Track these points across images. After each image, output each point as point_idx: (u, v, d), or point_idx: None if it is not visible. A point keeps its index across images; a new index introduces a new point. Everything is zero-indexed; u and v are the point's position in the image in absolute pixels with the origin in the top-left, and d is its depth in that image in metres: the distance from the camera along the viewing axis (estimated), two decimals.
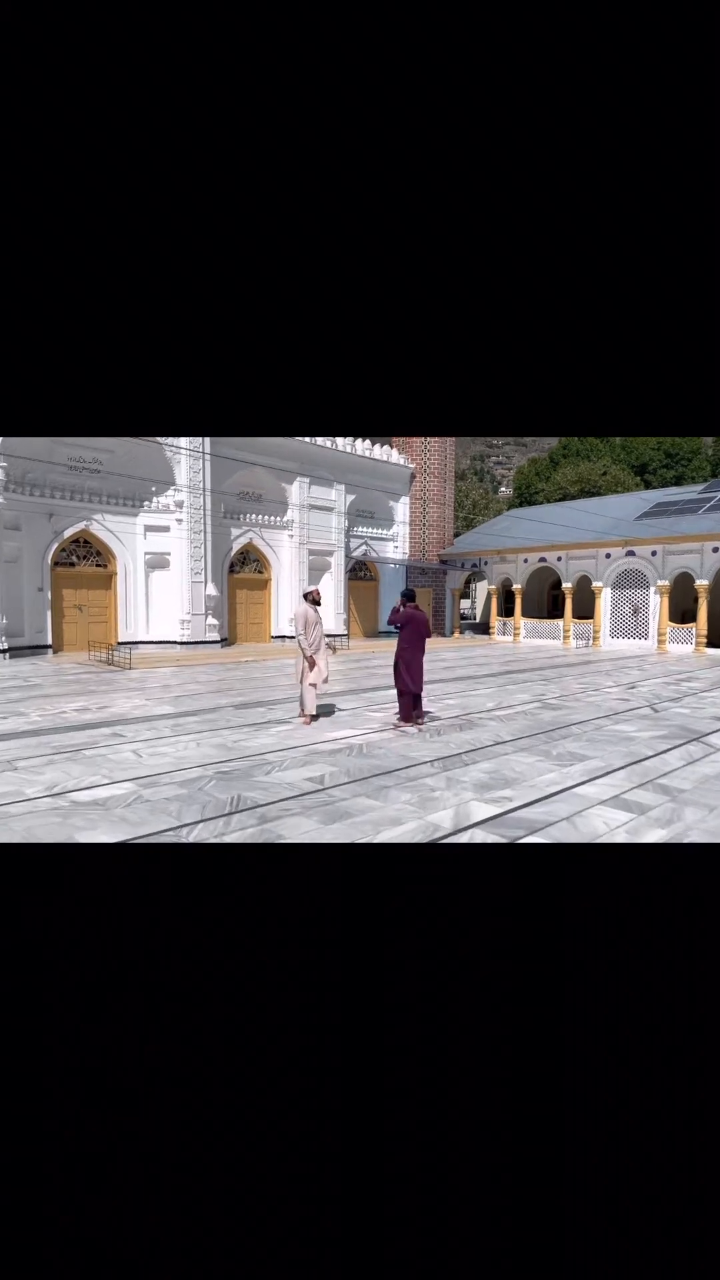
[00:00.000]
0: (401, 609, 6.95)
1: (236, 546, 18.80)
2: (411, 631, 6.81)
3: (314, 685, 7.01)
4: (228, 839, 3.63)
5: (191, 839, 3.66)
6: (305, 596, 7.07)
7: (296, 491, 19.70)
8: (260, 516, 19.22)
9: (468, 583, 26.09)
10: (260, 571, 19.57)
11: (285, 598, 19.94)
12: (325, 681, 7.12)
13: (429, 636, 6.85)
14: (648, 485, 34.05)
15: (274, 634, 19.75)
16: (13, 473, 14.43)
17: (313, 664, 6.99)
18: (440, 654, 16.79)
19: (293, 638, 19.98)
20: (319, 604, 7.15)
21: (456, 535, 25.67)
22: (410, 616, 6.84)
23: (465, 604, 31.26)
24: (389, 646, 18.39)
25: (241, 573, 19.15)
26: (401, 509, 23.23)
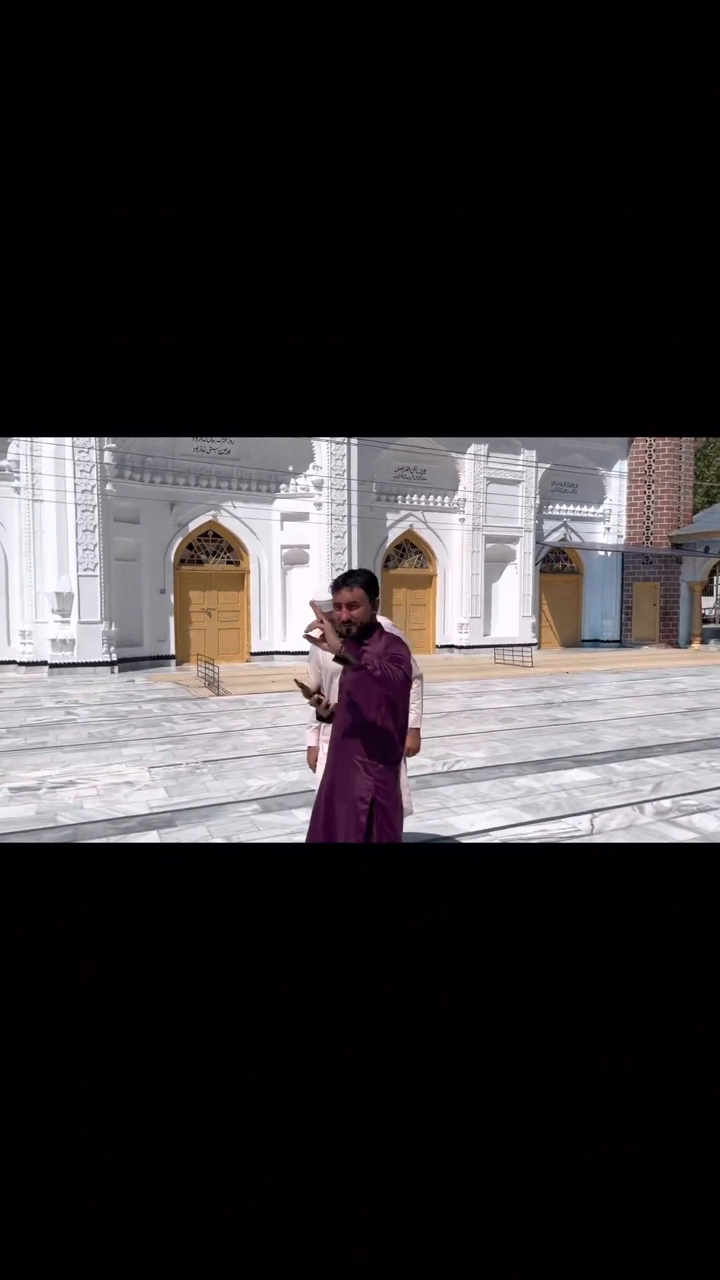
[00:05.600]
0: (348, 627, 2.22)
1: (393, 535, 15.23)
2: (351, 707, 2.18)
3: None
4: None
5: None
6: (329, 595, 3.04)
7: (471, 463, 15.50)
8: (423, 497, 15.40)
9: (711, 574, 19.23)
10: (423, 565, 15.75)
11: (454, 597, 15.84)
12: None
13: (395, 711, 2.12)
14: None
15: (439, 643, 15.81)
16: (129, 458, 12.58)
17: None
18: (673, 678, 11.31)
19: (463, 647, 15.86)
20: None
21: (695, 512, 19.03)
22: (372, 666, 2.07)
23: (708, 603, 23.86)
24: (595, 663, 13.22)
25: (399, 567, 15.54)
26: (616, 481, 17.59)
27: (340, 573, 2.37)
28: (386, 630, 2.31)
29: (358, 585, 2.23)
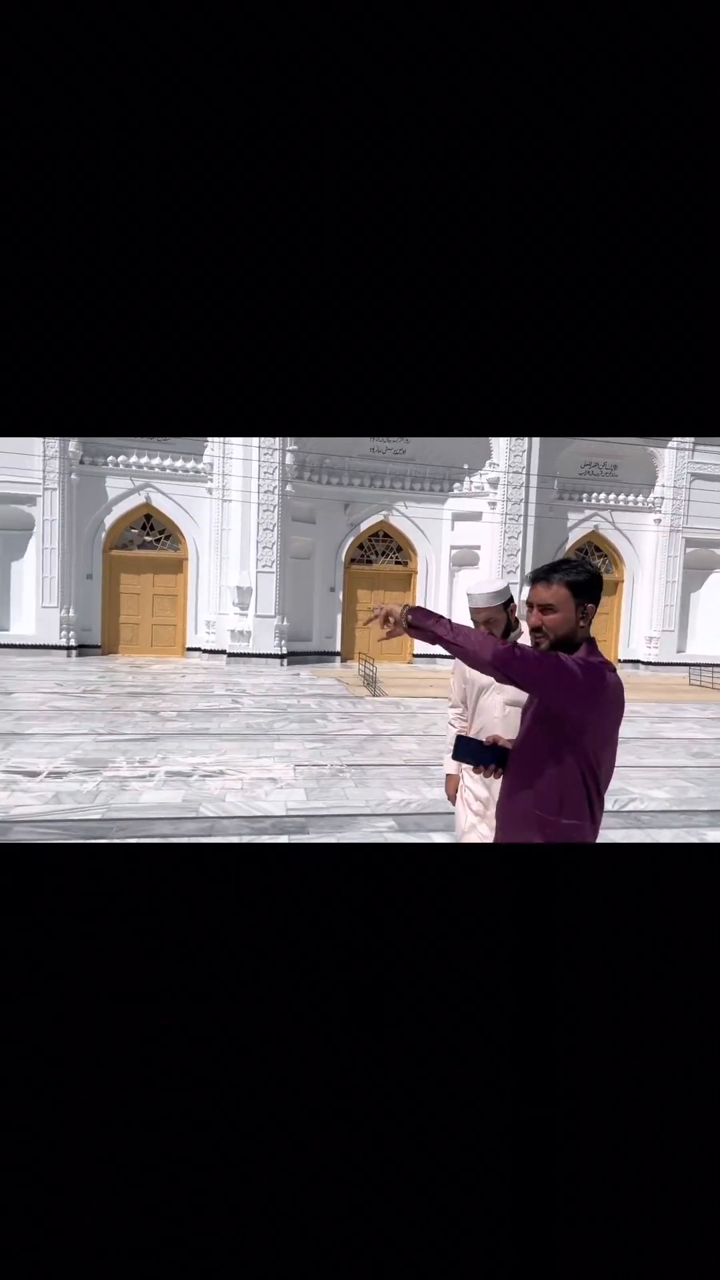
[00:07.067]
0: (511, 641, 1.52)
1: (574, 537, 14.03)
2: (524, 741, 1.63)
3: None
4: None
5: None
6: (473, 612, 2.57)
7: (672, 456, 13.73)
8: (612, 496, 13.98)
9: None
10: (606, 570, 14.30)
11: (643, 606, 14.19)
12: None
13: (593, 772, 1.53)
14: None
15: (622, 657, 14.26)
16: (308, 460, 13.04)
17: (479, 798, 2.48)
18: None
19: (651, 663, 14.03)
20: (510, 625, 2.51)
21: None
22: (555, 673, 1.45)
23: None
24: None
25: None
26: None
27: (544, 565, 1.61)
28: (587, 656, 1.52)
29: (559, 583, 1.52)
